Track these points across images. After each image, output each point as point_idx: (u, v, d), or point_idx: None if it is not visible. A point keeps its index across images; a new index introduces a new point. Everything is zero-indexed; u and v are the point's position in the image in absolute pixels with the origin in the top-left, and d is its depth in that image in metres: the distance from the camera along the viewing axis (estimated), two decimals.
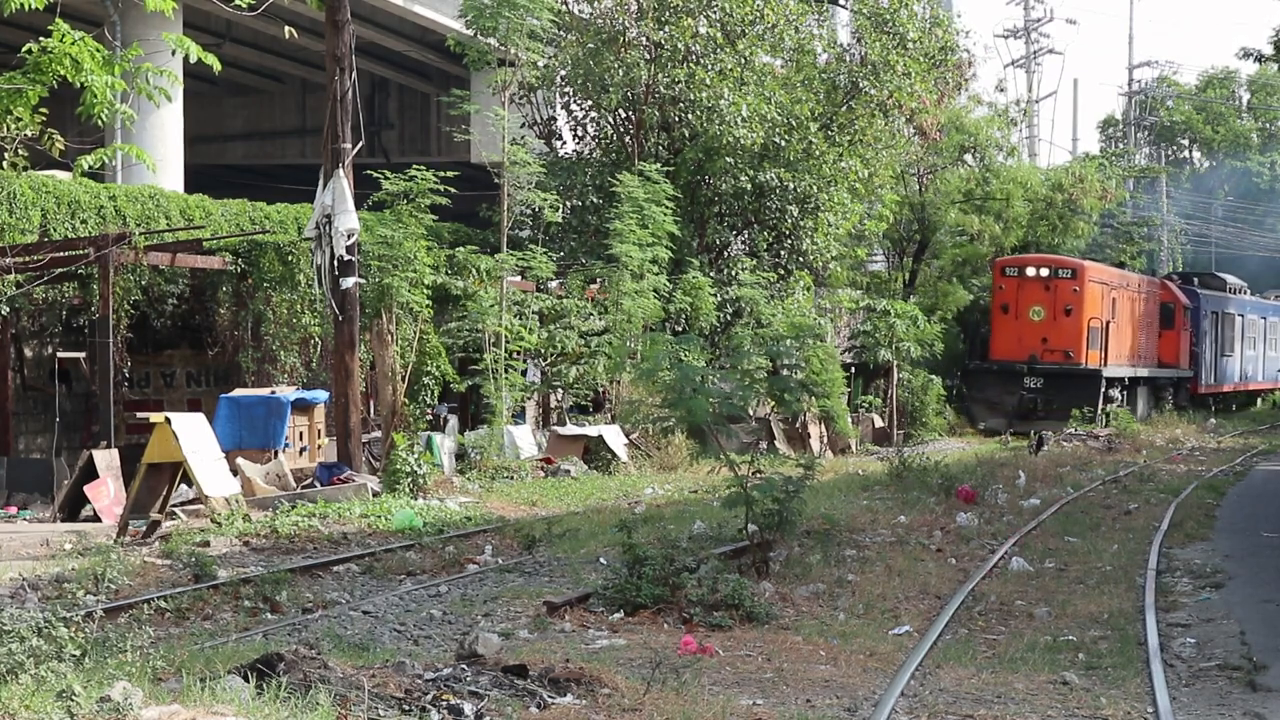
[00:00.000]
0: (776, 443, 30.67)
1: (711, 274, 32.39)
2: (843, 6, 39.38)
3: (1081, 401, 39.29)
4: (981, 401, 40.35)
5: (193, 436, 17.67)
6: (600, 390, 29.51)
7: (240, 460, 19.91)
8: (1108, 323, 41.36)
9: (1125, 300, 43.72)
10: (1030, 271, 40.60)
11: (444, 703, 8.57)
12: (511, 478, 23.82)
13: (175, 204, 23.90)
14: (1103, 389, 40.50)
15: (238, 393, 21.81)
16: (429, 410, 24.92)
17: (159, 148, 28.94)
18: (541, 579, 14.63)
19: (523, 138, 31.12)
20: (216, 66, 12.57)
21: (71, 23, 11.57)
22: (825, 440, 32.88)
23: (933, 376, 39.92)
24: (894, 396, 38.49)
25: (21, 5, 11.15)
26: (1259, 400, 62.16)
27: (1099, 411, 40.22)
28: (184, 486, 18.31)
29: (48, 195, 21.47)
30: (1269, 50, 33.69)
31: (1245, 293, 59.59)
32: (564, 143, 34.59)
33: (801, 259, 35.27)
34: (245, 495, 18.76)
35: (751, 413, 27.97)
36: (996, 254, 46.41)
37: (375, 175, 24.93)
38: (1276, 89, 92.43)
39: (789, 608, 13.20)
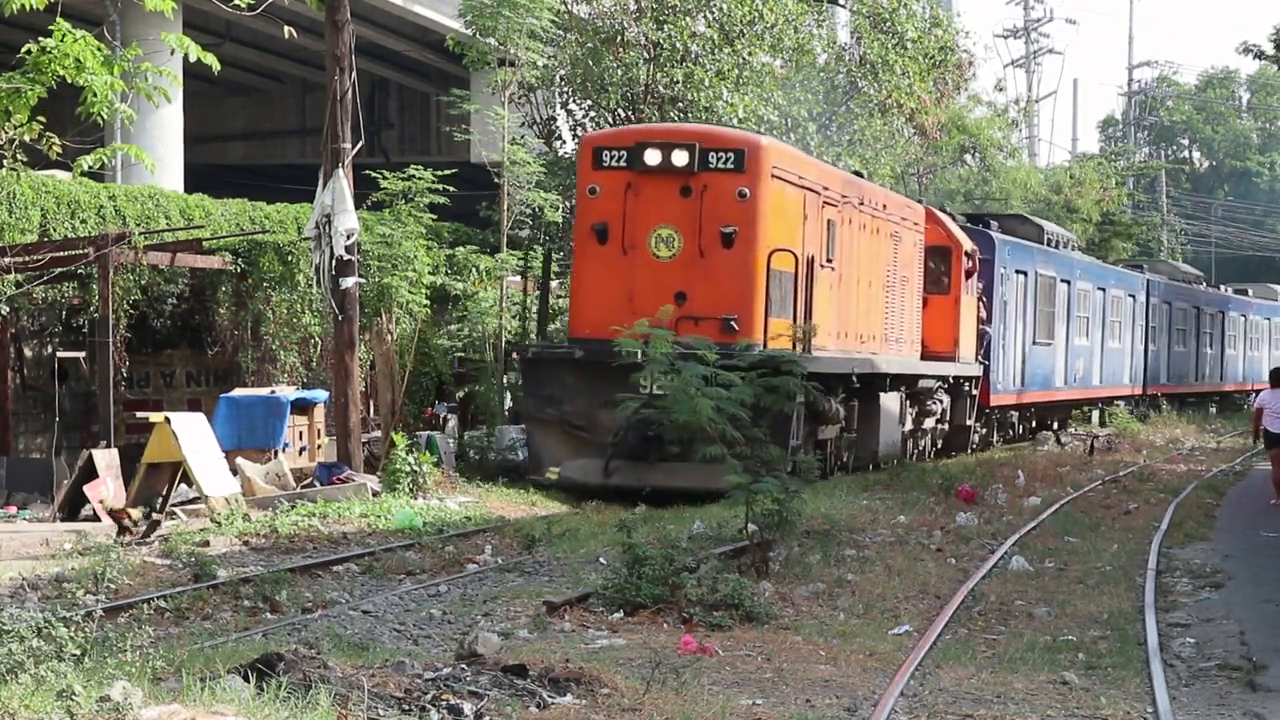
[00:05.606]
0: None
1: None
2: (842, 6, 39.40)
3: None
4: (553, 424, 20.97)
5: (193, 436, 17.69)
6: None
7: (240, 460, 19.91)
8: (813, 264, 21.96)
9: (855, 229, 24.20)
10: (652, 157, 20.71)
11: (444, 702, 8.57)
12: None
13: (175, 204, 23.90)
14: (800, 400, 17.53)
15: (237, 393, 21.81)
16: (428, 410, 24.92)
17: (159, 148, 28.98)
18: (541, 579, 14.63)
19: (522, 137, 31.13)
20: (216, 66, 12.57)
21: (71, 23, 11.57)
22: None
23: None
24: None
25: (22, 5, 11.15)
26: (1095, 415, 42.83)
27: (790, 452, 18.90)
28: (184, 486, 18.32)
29: (47, 195, 21.47)
30: (1269, 49, 33.70)
31: (1074, 248, 40.93)
32: (564, 143, 34.62)
33: None
34: (245, 495, 18.76)
35: None
36: None
37: (375, 175, 24.93)
38: (1276, 89, 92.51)
39: (789, 607, 13.20)
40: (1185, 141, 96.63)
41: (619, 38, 31.93)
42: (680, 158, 20.79)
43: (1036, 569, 15.89)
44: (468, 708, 8.54)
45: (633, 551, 13.07)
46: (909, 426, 27.10)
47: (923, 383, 27.45)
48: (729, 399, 14.95)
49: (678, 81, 31.74)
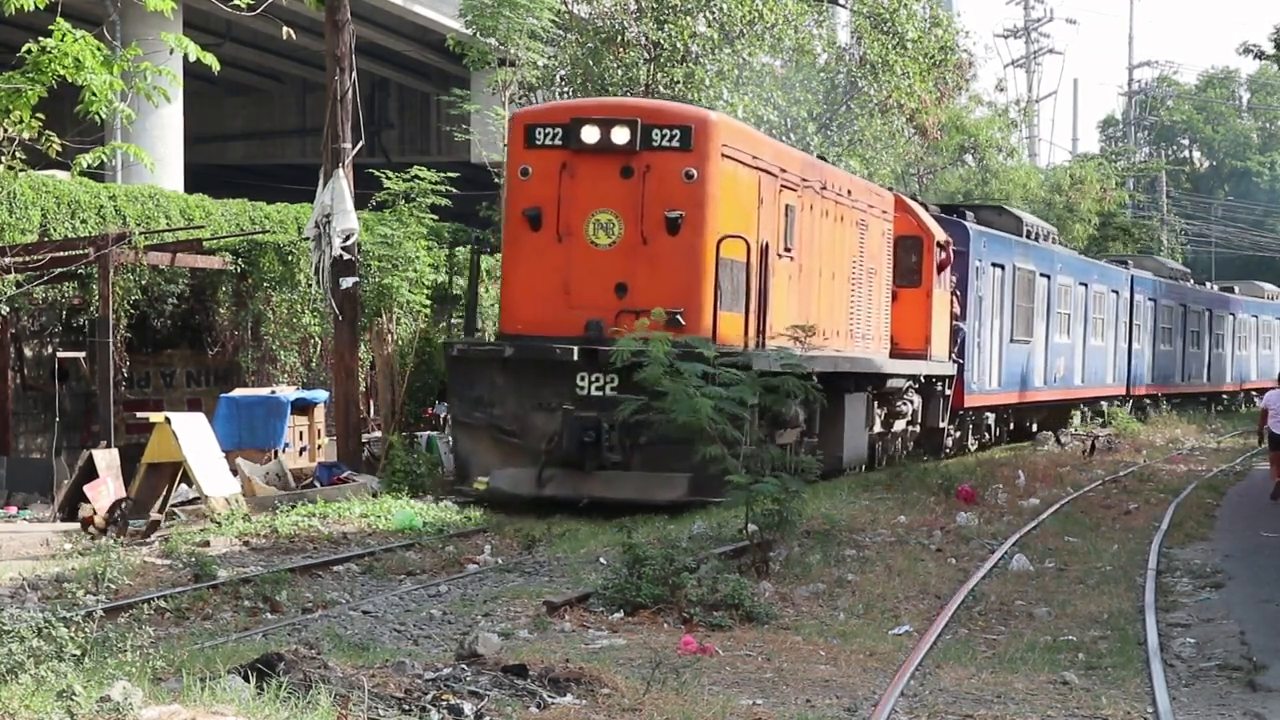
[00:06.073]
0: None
1: None
2: (842, 6, 39.44)
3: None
4: (481, 428, 18.99)
5: (193, 436, 17.69)
6: None
7: (240, 460, 19.91)
8: (768, 252, 20.14)
9: (816, 216, 22.36)
10: (590, 135, 18.91)
11: (444, 702, 8.57)
12: None
13: (175, 204, 23.92)
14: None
15: (238, 393, 21.81)
16: (429, 410, 24.91)
17: (159, 147, 28.99)
18: (541, 579, 14.62)
19: None
20: (216, 66, 12.58)
21: (71, 22, 11.57)
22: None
23: None
24: None
25: (21, 5, 11.15)
26: (1074, 418, 40.27)
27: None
28: (184, 486, 18.32)
29: (48, 195, 21.48)
30: (1269, 48, 33.69)
31: (1054, 240, 38.05)
32: None
33: None
34: (245, 495, 18.76)
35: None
36: None
37: (375, 175, 24.95)
38: (1276, 89, 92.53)
39: (789, 608, 13.19)
40: (1185, 141, 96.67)
41: (619, 38, 31.96)
42: (620, 135, 18.81)
43: (1037, 569, 15.90)
44: (468, 708, 8.54)
45: (633, 551, 13.07)
46: (877, 429, 25.07)
47: (891, 382, 25.27)
48: (728, 398, 14.92)
49: (678, 81, 31.77)
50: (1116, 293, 42.17)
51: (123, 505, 17.37)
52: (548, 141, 19.03)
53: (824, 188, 22.63)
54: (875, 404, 24.68)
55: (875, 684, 10.22)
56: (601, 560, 15.30)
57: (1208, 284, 58.93)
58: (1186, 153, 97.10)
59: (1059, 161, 78.87)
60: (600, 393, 18.22)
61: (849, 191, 23.94)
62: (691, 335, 17.49)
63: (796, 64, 36.06)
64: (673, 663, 10.14)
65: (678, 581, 12.74)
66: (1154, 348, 46.51)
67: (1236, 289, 60.00)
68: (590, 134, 18.87)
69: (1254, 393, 58.87)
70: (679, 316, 18.18)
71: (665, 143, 18.83)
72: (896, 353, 26.20)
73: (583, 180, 18.90)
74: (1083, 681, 10.58)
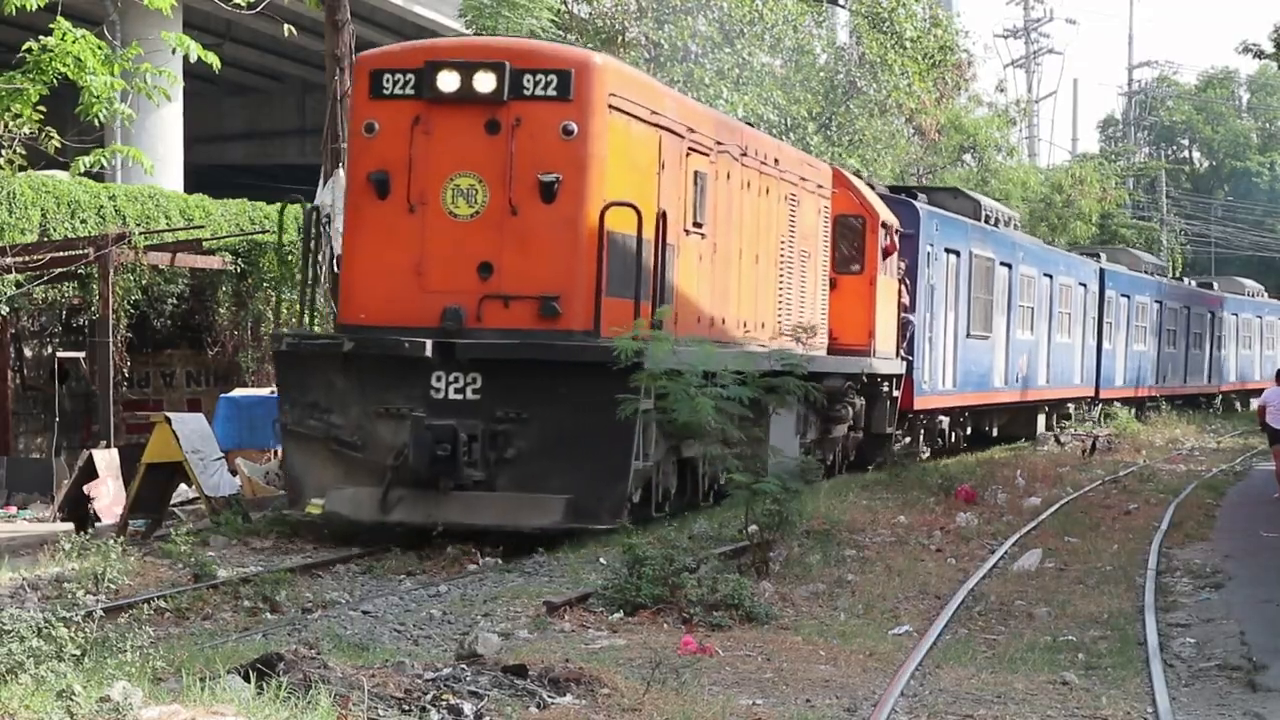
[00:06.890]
0: None
1: None
2: (841, 6, 39.45)
3: (595, 437, 15.18)
4: (316, 439, 15.89)
5: (193, 436, 17.69)
6: None
7: (240, 460, 19.91)
8: (666, 225, 16.55)
9: (735, 187, 19.11)
10: (448, 82, 15.65)
11: (444, 703, 8.57)
12: None
13: (175, 204, 23.93)
14: (642, 406, 14.93)
15: (238, 393, 21.81)
16: None
17: (159, 147, 29.03)
18: (541, 579, 14.61)
19: None
20: (217, 65, 12.59)
21: (71, 22, 11.60)
22: None
23: None
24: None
25: (22, 5, 11.17)
26: (1041, 420, 36.67)
27: (635, 476, 15.74)
28: (184, 486, 18.32)
29: (47, 195, 21.49)
30: (1269, 48, 33.72)
31: (1016, 226, 34.81)
32: None
33: None
34: (245, 495, 18.76)
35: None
36: None
37: None
38: (1276, 89, 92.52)
39: (789, 608, 13.20)
40: (1185, 141, 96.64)
41: (619, 38, 31.98)
42: (485, 82, 15.50)
43: (1037, 569, 15.91)
44: (468, 708, 8.53)
45: (633, 551, 13.06)
46: (812, 436, 21.84)
47: (828, 383, 21.47)
48: (727, 398, 14.92)
49: (678, 81, 31.81)
50: (1085, 285, 39.09)
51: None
52: (397, 90, 15.77)
53: (744, 154, 19.32)
54: (809, 408, 21.09)
55: (875, 684, 10.22)
56: (601, 560, 15.29)
57: (1185, 279, 57.37)
58: (1186, 153, 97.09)
59: (1059, 161, 78.89)
60: (460, 396, 15.30)
61: (776, 160, 20.56)
62: (571, 326, 15.12)
63: (796, 64, 36.09)
64: (673, 663, 10.14)
65: (678, 581, 12.74)
66: (1127, 347, 43.51)
67: (1216, 285, 57.43)
68: (448, 81, 15.62)
69: (1234, 395, 57.30)
70: (555, 303, 15.52)
71: (539, 91, 15.53)
72: (835, 348, 23.06)
73: (440, 137, 15.69)
74: (1083, 681, 10.58)
